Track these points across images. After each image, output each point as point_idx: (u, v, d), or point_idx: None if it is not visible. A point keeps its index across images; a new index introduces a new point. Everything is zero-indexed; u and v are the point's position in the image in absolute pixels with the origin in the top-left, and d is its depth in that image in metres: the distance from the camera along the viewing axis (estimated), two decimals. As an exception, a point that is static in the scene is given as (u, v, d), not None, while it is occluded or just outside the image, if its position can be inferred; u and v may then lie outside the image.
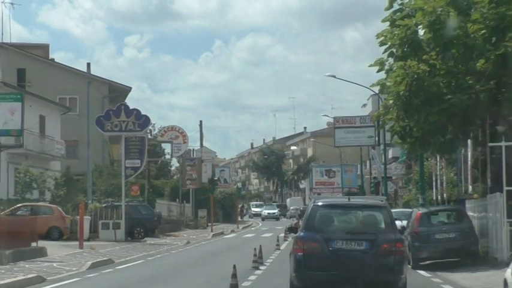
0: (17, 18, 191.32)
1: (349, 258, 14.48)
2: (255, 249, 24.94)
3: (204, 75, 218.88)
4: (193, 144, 75.14)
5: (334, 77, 52.49)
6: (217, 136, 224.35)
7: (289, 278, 15.39)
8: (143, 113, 40.48)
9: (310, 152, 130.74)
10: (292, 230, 27.85)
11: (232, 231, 59.88)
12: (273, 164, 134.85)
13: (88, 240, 38.11)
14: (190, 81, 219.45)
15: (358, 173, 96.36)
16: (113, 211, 40.83)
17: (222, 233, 55.36)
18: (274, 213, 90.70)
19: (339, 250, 14.53)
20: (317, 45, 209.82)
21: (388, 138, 49.88)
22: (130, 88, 66.31)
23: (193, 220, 63.38)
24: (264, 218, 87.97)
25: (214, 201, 78.66)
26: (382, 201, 16.24)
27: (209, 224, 66.99)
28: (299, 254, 14.71)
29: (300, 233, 15.17)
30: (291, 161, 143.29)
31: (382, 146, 52.33)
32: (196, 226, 61.58)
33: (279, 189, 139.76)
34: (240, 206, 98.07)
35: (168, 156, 62.86)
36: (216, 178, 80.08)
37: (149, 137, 55.73)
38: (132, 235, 42.87)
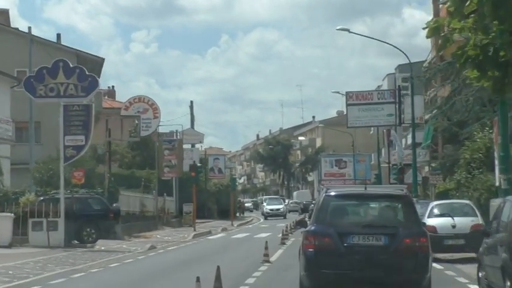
0: (22, 14, 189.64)
1: (367, 255, 13.05)
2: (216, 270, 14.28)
3: (211, 70, 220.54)
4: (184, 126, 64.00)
5: (348, 31, 41.68)
6: (226, 131, 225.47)
7: (298, 278, 13.80)
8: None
9: (319, 142, 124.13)
10: (301, 223, 22.93)
11: (224, 230, 49.32)
12: (279, 155, 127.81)
13: (9, 246, 27.67)
14: (197, 76, 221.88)
15: (372, 162, 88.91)
16: (51, 206, 30.22)
17: (208, 233, 44.69)
18: (279, 209, 72.48)
19: (354, 246, 13.14)
20: (324, 39, 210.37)
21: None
22: (103, 59, 55.76)
23: (178, 216, 52.56)
24: (266, 216, 71.32)
25: (208, 194, 68.74)
26: (402, 190, 14.39)
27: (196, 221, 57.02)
28: (310, 250, 13.26)
29: (311, 227, 13.62)
30: (298, 152, 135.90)
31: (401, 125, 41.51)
32: (180, 224, 50.79)
33: (286, 182, 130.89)
34: (239, 200, 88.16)
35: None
36: (210, 167, 69.38)
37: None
38: (80, 238, 32.34)
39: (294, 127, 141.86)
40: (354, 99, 53.31)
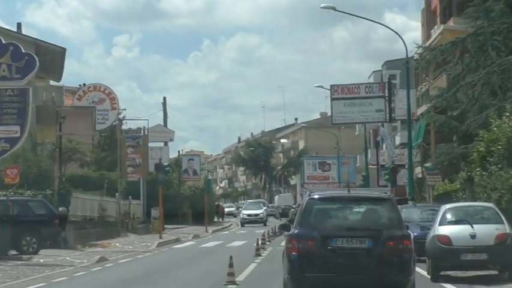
0: (2, 18, 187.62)
1: (351, 258, 13.10)
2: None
3: (194, 74, 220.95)
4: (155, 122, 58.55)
5: (334, 9, 36.99)
6: (208, 136, 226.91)
7: (282, 282, 13.90)
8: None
9: (301, 145, 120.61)
10: (285, 227, 18.61)
11: (196, 237, 44.39)
12: (260, 158, 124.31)
13: None
14: (180, 81, 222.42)
15: (358, 164, 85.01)
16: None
17: (176, 241, 39.72)
18: (257, 214, 63.12)
19: (338, 249, 13.13)
20: (306, 44, 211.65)
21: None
22: (65, 49, 50.61)
23: (145, 222, 47.50)
24: (243, 222, 62.74)
25: (181, 198, 63.66)
26: (386, 193, 14.42)
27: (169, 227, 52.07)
28: (293, 253, 13.22)
29: (294, 230, 13.50)
30: (280, 155, 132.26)
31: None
32: (147, 230, 45.77)
33: (267, 186, 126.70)
34: (218, 204, 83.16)
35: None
36: (184, 168, 64.28)
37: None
38: (19, 247, 27.39)
39: (277, 129, 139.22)
40: (339, 93, 48.38)
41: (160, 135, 50.54)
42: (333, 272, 13.06)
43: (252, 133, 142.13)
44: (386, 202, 13.71)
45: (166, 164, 39.64)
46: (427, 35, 56.12)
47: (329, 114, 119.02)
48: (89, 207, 37.67)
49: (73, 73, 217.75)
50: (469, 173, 26.38)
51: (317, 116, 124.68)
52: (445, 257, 16.63)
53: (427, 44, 49.89)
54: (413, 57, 55.14)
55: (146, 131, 45.34)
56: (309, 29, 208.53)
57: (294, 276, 13.24)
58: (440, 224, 17.19)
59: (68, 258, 26.37)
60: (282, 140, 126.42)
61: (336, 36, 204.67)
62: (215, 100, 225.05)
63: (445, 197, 30.08)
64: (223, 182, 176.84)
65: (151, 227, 46.10)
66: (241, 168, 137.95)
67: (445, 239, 16.66)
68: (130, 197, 45.05)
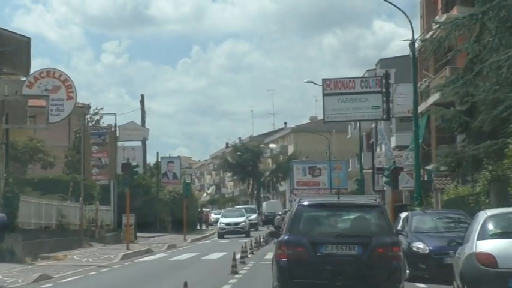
0: None
1: (340, 265, 13.14)
2: None
3: (183, 81, 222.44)
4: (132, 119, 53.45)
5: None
6: (197, 142, 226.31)
7: None
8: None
9: (291, 150, 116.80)
10: (273, 234, 21.00)
11: (171, 247, 39.66)
12: (248, 163, 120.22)
13: None
14: (169, 87, 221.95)
15: (350, 169, 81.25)
16: None
17: (146, 252, 34.92)
18: (238, 223, 53.09)
19: (328, 255, 13.19)
20: (295, 50, 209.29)
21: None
22: (29, 39, 45.60)
23: (116, 230, 42.53)
24: (221, 233, 52.88)
25: (160, 204, 58.70)
26: (375, 200, 14.59)
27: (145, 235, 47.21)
28: (283, 260, 13.29)
29: (284, 237, 13.64)
30: (269, 160, 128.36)
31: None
32: (118, 239, 40.85)
33: (255, 192, 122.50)
34: (201, 210, 78.37)
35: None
36: (163, 172, 59.32)
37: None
38: None
39: (265, 134, 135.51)
40: (331, 87, 43.63)
41: (133, 133, 45.31)
42: (322, 279, 13.08)
43: (240, 138, 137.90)
44: (376, 209, 13.75)
45: (135, 164, 34.65)
46: (427, 27, 51.74)
47: (319, 118, 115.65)
48: (45, 214, 32.69)
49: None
50: (493, 173, 21.66)
51: (307, 121, 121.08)
52: (488, 283, 11.90)
53: (428, 36, 45.44)
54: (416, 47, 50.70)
55: (115, 127, 40.15)
56: (297, 36, 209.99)
57: (283, 282, 13.27)
58: (479, 238, 12.33)
59: (0, 276, 21.45)
60: (271, 145, 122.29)
61: (325, 43, 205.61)
62: (204, 107, 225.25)
63: (458, 202, 25.35)
64: (211, 188, 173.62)
65: (123, 236, 41.16)
66: (229, 174, 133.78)
67: (488, 259, 11.90)
68: (97, 202, 40.10)
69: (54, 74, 28.64)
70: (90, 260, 29.02)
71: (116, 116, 46.23)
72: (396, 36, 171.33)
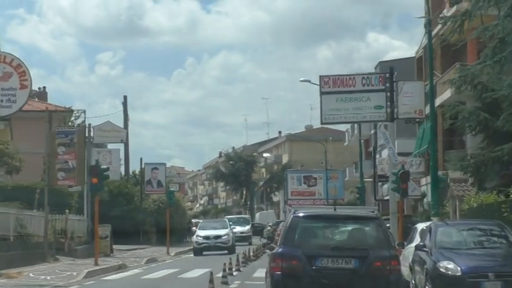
0: None
1: (336, 279, 12.95)
2: None
3: (177, 92, 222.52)
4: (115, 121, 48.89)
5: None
6: (191, 153, 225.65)
7: None
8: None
9: (285, 159, 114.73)
10: (265, 246, 21.19)
11: (150, 262, 35.48)
12: (240, 172, 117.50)
13: None
14: (163, 99, 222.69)
15: (347, 178, 78.04)
16: None
17: (119, 268, 30.69)
18: (219, 236, 44.19)
19: (323, 269, 12.96)
20: (289, 62, 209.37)
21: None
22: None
23: (89, 243, 38.13)
24: (197, 249, 43.77)
25: (144, 213, 54.44)
26: (373, 211, 14.22)
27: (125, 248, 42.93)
28: (277, 273, 13.05)
29: (278, 249, 13.36)
30: (263, 170, 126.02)
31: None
32: (91, 253, 36.40)
33: (248, 203, 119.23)
34: (190, 221, 74.04)
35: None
36: (147, 179, 55.04)
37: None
38: None
39: (259, 143, 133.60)
40: (330, 85, 39.12)
41: (109, 134, 40.73)
42: None
43: (233, 147, 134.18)
44: (374, 221, 13.56)
45: (105, 167, 30.33)
46: (433, 22, 47.85)
47: (315, 127, 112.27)
48: (1, 224, 28.35)
49: (56, 90, 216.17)
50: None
51: (302, 131, 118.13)
52: None
53: (434, 32, 41.47)
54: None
55: (84, 125, 35.73)
56: (292, 48, 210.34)
57: None
58: None
59: None
60: (265, 154, 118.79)
61: (319, 55, 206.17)
62: (198, 118, 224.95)
63: (485, 211, 21.17)
64: (203, 198, 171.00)
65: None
66: (222, 184, 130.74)
67: None
68: (67, 211, 35.73)
69: (5, 59, 24.31)
70: (48, 277, 24.75)
71: (85, 112, 41.41)
72: (391, 48, 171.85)
